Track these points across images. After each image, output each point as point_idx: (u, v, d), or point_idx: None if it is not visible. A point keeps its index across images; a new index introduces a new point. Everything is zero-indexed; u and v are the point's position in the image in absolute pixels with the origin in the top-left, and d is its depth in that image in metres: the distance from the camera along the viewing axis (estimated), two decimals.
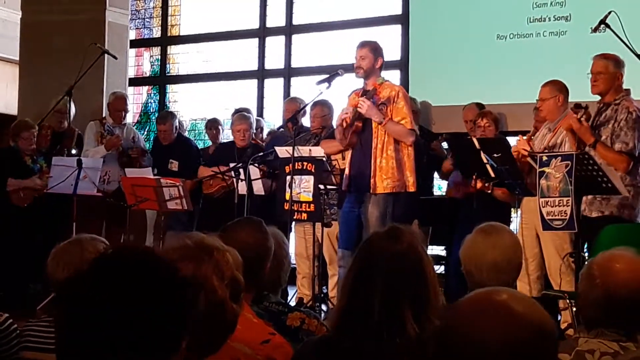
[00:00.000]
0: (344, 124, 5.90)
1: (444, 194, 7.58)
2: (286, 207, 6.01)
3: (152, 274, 1.44)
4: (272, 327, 2.73)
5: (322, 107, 6.98)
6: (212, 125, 8.38)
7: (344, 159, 6.26)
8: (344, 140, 5.97)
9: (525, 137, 5.85)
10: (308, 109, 7.04)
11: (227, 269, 2.00)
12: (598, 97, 5.55)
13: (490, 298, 1.51)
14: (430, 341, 1.53)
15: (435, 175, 7.58)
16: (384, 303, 2.16)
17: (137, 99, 10.49)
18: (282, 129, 7.34)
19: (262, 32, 9.69)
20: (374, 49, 5.97)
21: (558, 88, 5.83)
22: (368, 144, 5.86)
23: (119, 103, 8.08)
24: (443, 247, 7.54)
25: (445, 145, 7.32)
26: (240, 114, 7.64)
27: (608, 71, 5.41)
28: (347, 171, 6.01)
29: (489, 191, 6.19)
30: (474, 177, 6.03)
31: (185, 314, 1.46)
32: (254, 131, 7.85)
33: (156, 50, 10.54)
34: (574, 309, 4.93)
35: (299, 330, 2.99)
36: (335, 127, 6.20)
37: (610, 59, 5.44)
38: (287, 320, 3.01)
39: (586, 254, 5.46)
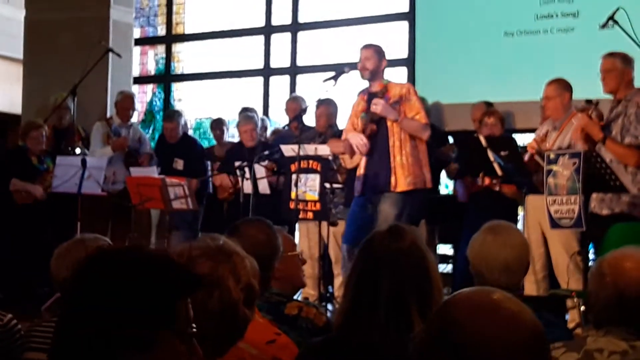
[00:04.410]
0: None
1: (451, 192, 7.56)
2: (292, 206, 5.99)
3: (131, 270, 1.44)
4: (271, 318, 2.73)
5: (327, 106, 6.97)
6: (217, 126, 8.38)
7: (351, 157, 6.22)
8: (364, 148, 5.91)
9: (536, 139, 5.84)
10: (312, 107, 7.02)
11: (244, 274, 2.00)
12: (607, 95, 5.52)
13: (484, 296, 1.50)
14: (423, 334, 1.52)
15: (442, 174, 7.54)
16: (389, 301, 2.15)
17: (141, 97, 10.48)
18: (286, 128, 7.32)
19: (267, 30, 9.68)
20: (378, 51, 5.96)
21: (563, 86, 5.81)
22: (383, 144, 5.82)
23: (127, 102, 8.07)
24: (450, 246, 7.51)
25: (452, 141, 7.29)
26: (244, 115, 7.63)
27: (616, 68, 5.37)
28: (358, 174, 5.93)
29: (497, 188, 6.16)
30: (481, 175, 6.01)
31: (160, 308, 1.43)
32: (259, 131, 7.84)
33: (161, 49, 10.52)
34: (582, 307, 4.91)
35: (298, 318, 3.01)
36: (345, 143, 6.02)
37: (618, 56, 5.41)
38: (286, 309, 3.02)
39: (592, 253, 5.44)
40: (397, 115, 5.75)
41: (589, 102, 5.41)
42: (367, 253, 2.27)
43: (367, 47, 5.97)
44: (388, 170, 5.77)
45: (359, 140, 5.83)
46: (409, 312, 2.13)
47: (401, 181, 5.76)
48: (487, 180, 6.21)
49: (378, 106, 5.74)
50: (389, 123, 5.81)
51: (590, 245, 5.48)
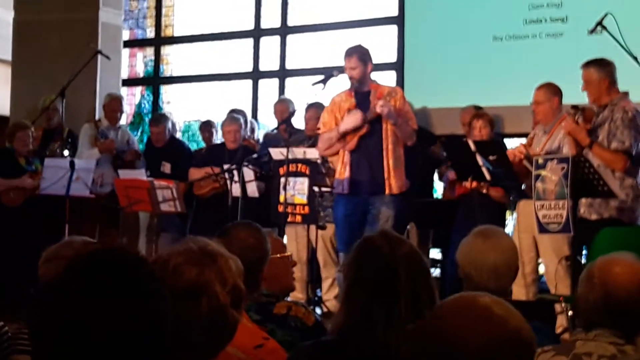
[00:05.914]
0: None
1: (440, 196, 7.56)
2: (280, 210, 5.98)
3: (135, 278, 1.40)
4: (260, 317, 2.72)
5: (317, 109, 6.95)
6: (206, 128, 8.36)
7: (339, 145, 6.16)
8: (343, 144, 5.89)
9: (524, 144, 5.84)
10: (301, 111, 7.02)
11: (230, 276, 1.99)
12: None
13: (473, 300, 1.51)
14: (408, 339, 1.52)
15: (435, 177, 7.55)
16: (387, 306, 2.14)
17: (130, 99, 10.45)
18: (275, 131, 7.30)
19: (256, 33, 9.66)
20: (362, 55, 5.87)
21: (552, 91, 5.83)
22: (377, 146, 5.81)
23: (114, 104, 8.06)
24: (439, 250, 7.51)
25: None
26: (230, 115, 7.61)
27: (592, 80, 5.42)
28: (346, 174, 5.89)
29: (484, 190, 6.16)
30: (469, 179, 6.01)
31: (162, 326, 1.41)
32: (248, 133, 7.82)
33: (150, 51, 10.48)
34: (570, 312, 4.92)
35: (287, 317, 3.01)
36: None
37: (593, 66, 5.44)
38: (275, 309, 3.02)
39: (584, 258, 5.45)
40: (397, 119, 5.75)
41: (574, 107, 5.44)
42: (362, 258, 2.26)
43: (350, 55, 5.87)
44: (382, 172, 5.77)
45: (354, 117, 5.79)
46: (406, 318, 2.12)
47: (394, 184, 5.77)
48: (474, 183, 6.21)
49: (385, 108, 5.70)
50: (384, 125, 5.79)
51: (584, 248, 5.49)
